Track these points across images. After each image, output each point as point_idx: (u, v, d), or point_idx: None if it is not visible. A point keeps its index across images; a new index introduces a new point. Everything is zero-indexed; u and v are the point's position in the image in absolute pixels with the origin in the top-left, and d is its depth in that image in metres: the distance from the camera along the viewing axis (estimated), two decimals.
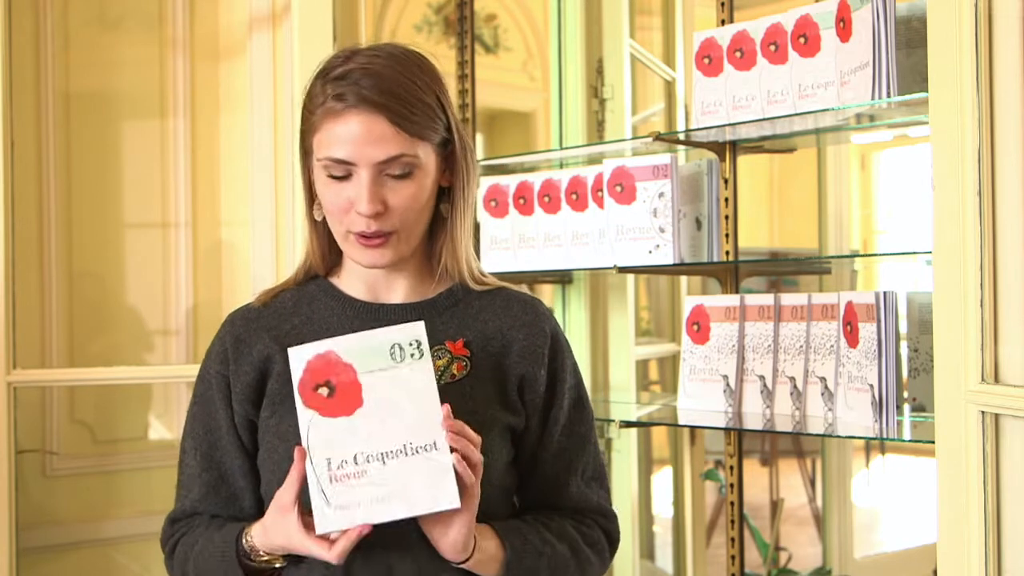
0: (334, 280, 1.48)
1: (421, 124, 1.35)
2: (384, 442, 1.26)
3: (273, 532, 1.31)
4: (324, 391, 1.27)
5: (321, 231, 1.46)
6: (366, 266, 1.40)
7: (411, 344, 1.29)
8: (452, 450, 1.26)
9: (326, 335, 1.41)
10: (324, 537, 1.25)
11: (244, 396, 1.42)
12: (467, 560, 1.32)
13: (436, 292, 1.47)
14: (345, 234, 1.38)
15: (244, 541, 1.36)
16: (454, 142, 1.41)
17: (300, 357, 1.29)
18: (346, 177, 1.35)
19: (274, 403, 1.40)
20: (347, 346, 1.29)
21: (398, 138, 1.33)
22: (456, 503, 1.24)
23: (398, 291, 1.46)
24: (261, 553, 1.35)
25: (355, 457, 1.25)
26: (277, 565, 1.36)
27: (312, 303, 1.47)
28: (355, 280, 1.46)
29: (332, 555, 1.25)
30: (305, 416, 1.27)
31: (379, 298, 1.46)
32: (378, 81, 1.33)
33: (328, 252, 1.47)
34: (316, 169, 1.38)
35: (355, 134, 1.32)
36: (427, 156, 1.37)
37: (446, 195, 1.44)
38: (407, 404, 1.27)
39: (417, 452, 1.25)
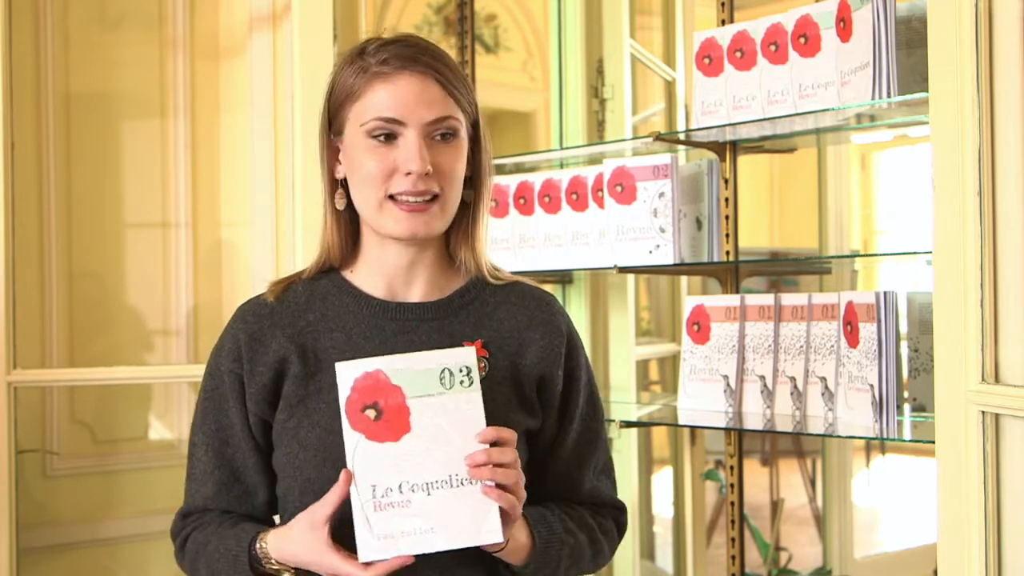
0: (348, 275, 1.45)
1: (462, 94, 1.38)
2: (429, 472, 1.25)
3: (298, 546, 1.30)
4: (371, 413, 1.26)
5: (343, 220, 1.44)
6: (404, 236, 1.37)
7: (461, 370, 1.27)
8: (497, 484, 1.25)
9: (341, 333, 1.40)
10: (354, 556, 1.25)
11: (259, 397, 1.40)
12: (500, 549, 1.33)
13: (453, 289, 1.45)
14: (382, 201, 1.36)
15: (258, 546, 1.35)
16: (479, 128, 1.43)
17: (348, 374, 1.27)
18: (391, 139, 1.35)
19: (291, 405, 1.39)
20: (396, 367, 1.27)
21: (446, 101, 1.36)
22: (499, 537, 1.25)
23: (416, 287, 1.44)
24: (272, 561, 1.34)
25: (400, 486, 1.25)
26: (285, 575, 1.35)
27: (326, 299, 1.44)
28: (372, 275, 1.43)
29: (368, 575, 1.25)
30: (352, 438, 1.26)
31: (396, 295, 1.43)
32: (423, 50, 1.37)
33: (346, 244, 1.45)
34: (354, 138, 1.37)
35: (406, 93, 1.34)
36: (464, 128, 1.39)
37: (469, 183, 1.44)
38: (454, 434, 1.26)
39: (462, 484, 1.25)
